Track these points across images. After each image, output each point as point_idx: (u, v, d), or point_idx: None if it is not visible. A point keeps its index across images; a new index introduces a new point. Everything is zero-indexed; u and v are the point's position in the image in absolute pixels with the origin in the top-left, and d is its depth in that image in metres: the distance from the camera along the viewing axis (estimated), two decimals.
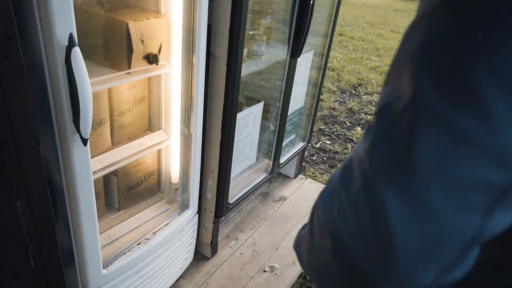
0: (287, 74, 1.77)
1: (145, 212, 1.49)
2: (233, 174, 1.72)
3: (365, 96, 4.41)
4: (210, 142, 1.53)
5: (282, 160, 2.06)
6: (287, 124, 2.03)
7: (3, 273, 1.04)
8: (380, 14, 9.46)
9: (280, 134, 1.94)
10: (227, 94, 1.40)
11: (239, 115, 1.58)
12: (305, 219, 2.04)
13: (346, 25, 7.73)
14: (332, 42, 2.08)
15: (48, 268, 0.97)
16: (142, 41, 1.11)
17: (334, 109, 4.03)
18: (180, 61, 1.27)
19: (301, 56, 1.86)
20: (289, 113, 1.96)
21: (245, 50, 1.64)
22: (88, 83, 0.87)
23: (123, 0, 1.36)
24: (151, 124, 1.50)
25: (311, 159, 3.06)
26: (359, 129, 3.63)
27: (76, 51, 0.81)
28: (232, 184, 1.82)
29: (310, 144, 3.23)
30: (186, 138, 1.41)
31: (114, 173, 1.41)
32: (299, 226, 1.97)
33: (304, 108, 2.24)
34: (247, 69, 1.61)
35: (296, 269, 1.76)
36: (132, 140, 1.38)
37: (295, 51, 1.69)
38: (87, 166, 1.00)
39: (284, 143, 2.07)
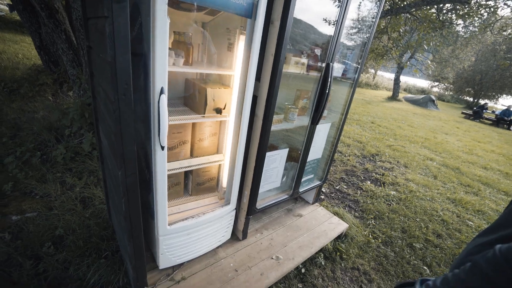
0: (307, 135, 1.91)
1: (204, 200, 1.72)
2: (262, 190, 1.86)
3: (379, 162, 4.30)
4: (249, 167, 1.68)
5: (301, 189, 2.16)
6: (306, 167, 2.12)
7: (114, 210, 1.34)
8: (402, 114, 9.81)
9: (300, 173, 2.03)
10: (261, 140, 1.56)
11: (270, 153, 1.74)
12: (310, 232, 2.07)
13: (377, 117, 7.98)
14: (345, 120, 2.17)
15: (132, 213, 1.16)
16: (214, 100, 1.42)
17: (355, 166, 3.97)
18: (234, 114, 1.50)
19: (320, 124, 1.98)
20: (308, 159, 2.05)
21: (282, 116, 1.89)
22: (166, 115, 1.08)
23: (213, 78, 1.74)
24: (218, 149, 1.76)
25: (330, 195, 3.06)
26: (368, 182, 3.50)
27: (163, 97, 1.05)
28: (262, 196, 1.96)
29: (331, 185, 3.24)
30: (233, 162, 1.60)
31: (191, 172, 1.70)
32: (305, 236, 2.02)
33: (322, 158, 2.30)
34: (281, 126, 1.78)
35: (292, 263, 1.77)
36: (203, 156, 1.67)
37: (314, 120, 1.83)
38: (164, 162, 1.21)
39: (303, 179, 2.16)
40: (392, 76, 17.85)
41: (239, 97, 1.44)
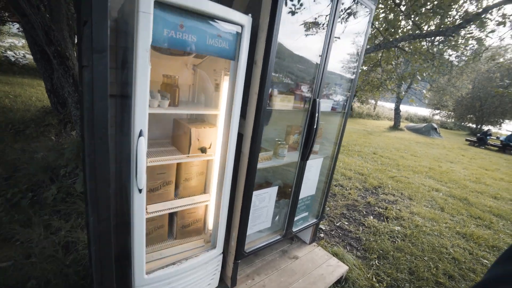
0: (298, 171, 1.85)
1: (188, 244, 1.63)
2: (251, 231, 1.75)
3: (382, 195, 4.14)
4: (236, 207, 1.61)
5: (295, 229, 2.04)
6: (300, 205, 2.02)
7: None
8: (405, 144, 9.75)
9: (292, 211, 1.93)
10: (247, 178, 1.50)
11: (258, 192, 1.68)
12: (306, 276, 1.91)
13: (379, 148, 7.96)
14: (339, 153, 2.12)
15: (103, 263, 1.11)
16: (198, 139, 1.41)
17: (356, 200, 3.83)
18: (220, 153, 1.48)
19: (312, 160, 1.94)
20: (301, 197, 1.97)
21: (272, 152, 1.86)
22: (143, 157, 1.07)
23: (201, 118, 1.76)
24: (206, 189, 1.70)
25: (330, 233, 2.89)
26: (371, 217, 3.33)
27: (141, 139, 1.04)
28: (252, 238, 1.85)
29: (332, 222, 3.08)
30: (218, 202, 1.54)
31: (175, 214, 1.63)
32: (301, 281, 1.87)
33: (317, 195, 2.21)
34: (271, 163, 1.75)
35: None
36: (190, 196, 1.61)
37: (304, 156, 1.79)
38: (141, 206, 1.16)
39: (297, 218, 2.06)
40: (392, 105, 18.13)
41: (224, 135, 1.43)
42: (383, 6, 4.92)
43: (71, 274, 1.71)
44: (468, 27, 4.48)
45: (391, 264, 2.46)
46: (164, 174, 1.45)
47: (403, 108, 22.33)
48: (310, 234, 2.33)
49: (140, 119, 1.07)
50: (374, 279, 2.22)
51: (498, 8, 4.31)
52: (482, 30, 4.83)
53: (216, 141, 1.51)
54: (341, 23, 1.94)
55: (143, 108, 1.06)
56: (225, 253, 1.73)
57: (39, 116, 4.95)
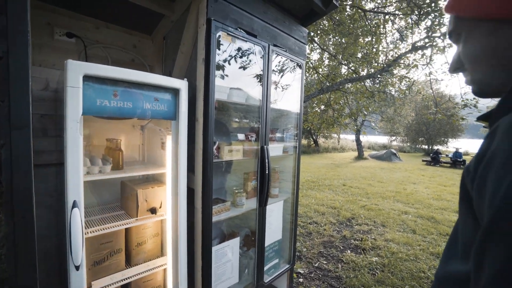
0: (258, 218, 1.83)
1: None
2: None
3: (356, 226, 4.18)
4: (196, 267, 1.51)
5: (266, 280, 1.92)
6: (268, 252, 1.95)
7: None
8: (371, 171, 10.29)
9: (259, 260, 1.85)
10: (204, 234, 1.44)
11: (218, 247, 1.60)
12: None
13: (348, 179, 8.28)
14: (298, 196, 2.15)
15: None
16: (146, 200, 1.37)
17: (332, 236, 3.79)
18: (171, 211, 1.44)
19: (271, 204, 1.95)
20: (267, 243, 1.91)
21: (230, 202, 1.84)
22: (79, 231, 1.01)
23: (152, 177, 1.73)
24: (163, 251, 1.59)
25: (309, 276, 2.74)
26: (349, 251, 3.28)
27: (75, 211, 1.00)
28: None
29: (310, 263, 2.96)
30: (176, 263, 1.44)
31: (129, 285, 1.46)
32: None
33: (285, 238, 2.16)
34: (229, 214, 1.70)
35: None
36: (145, 262, 1.48)
37: (262, 202, 1.80)
38: (82, 283, 1.06)
39: (267, 267, 1.96)
40: (354, 137, 19.53)
41: (173, 193, 1.41)
42: (325, 56, 5.75)
43: None
44: (392, 69, 5.37)
45: None
46: (111, 242, 1.34)
47: (364, 138, 24.15)
48: (286, 281, 2.20)
49: (74, 189, 1.03)
50: None
51: (407, 55, 5.38)
52: (407, 71, 5.84)
53: (166, 199, 1.47)
54: (277, 74, 2.19)
55: (77, 177, 1.04)
56: None
57: None
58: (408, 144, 24.94)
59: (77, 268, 1.05)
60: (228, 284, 1.70)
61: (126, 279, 1.35)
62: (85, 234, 1.14)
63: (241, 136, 1.91)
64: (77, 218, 1.02)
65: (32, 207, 0.90)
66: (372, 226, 4.23)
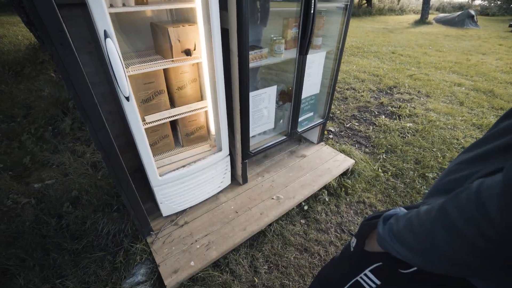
0: (297, 67, 1.71)
1: (195, 149, 1.72)
2: (254, 133, 1.78)
3: (396, 95, 3.93)
4: (234, 110, 1.59)
5: (300, 129, 2.05)
6: (303, 105, 1.99)
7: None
8: (431, 39, 8.48)
9: (295, 111, 1.90)
10: (241, 78, 1.42)
11: (256, 93, 1.62)
12: (313, 171, 2.04)
13: (399, 46, 7.17)
14: (343, 49, 1.89)
15: (115, 167, 1.18)
16: (179, 40, 1.28)
17: (369, 102, 3.70)
18: (206, 54, 1.36)
19: (313, 54, 1.79)
20: (304, 96, 1.90)
21: (267, 50, 1.70)
22: (118, 61, 1.00)
23: (180, 18, 1.56)
24: (202, 95, 1.66)
25: (339, 133, 2.94)
26: (383, 117, 3.27)
27: (109, 41, 0.96)
28: (258, 139, 1.90)
29: (341, 124, 3.10)
30: (215, 106, 1.52)
31: (177, 123, 1.67)
32: (308, 175, 2.00)
33: (322, 94, 2.13)
34: (266, 61, 1.61)
35: (292, 201, 1.79)
36: (187, 105, 1.59)
37: (302, 49, 1.62)
38: (134, 113, 1.17)
39: (301, 118, 2.05)
40: None
41: (207, 33, 1.28)
42: None
43: (104, 186, 1.96)
44: None
45: (398, 156, 2.54)
46: (153, 83, 1.41)
47: None
48: (317, 134, 2.37)
49: (101, 19, 0.96)
50: (379, 170, 2.34)
51: None
52: None
53: (200, 41, 1.37)
54: None
55: (101, 8, 0.94)
56: (232, 155, 1.83)
57: (31, 54, 4.78)
58: (499, 2, 18.87)
59: (127, 98, 1.15)
60: (264, 128, 1.86)
61: (172, 116, 1.50)
62: (127, 72, 1.16)
63: None
64: (112, 49, 1.01)
65: (65, 33, 0.87)
66: (415, 95, 3.97)
